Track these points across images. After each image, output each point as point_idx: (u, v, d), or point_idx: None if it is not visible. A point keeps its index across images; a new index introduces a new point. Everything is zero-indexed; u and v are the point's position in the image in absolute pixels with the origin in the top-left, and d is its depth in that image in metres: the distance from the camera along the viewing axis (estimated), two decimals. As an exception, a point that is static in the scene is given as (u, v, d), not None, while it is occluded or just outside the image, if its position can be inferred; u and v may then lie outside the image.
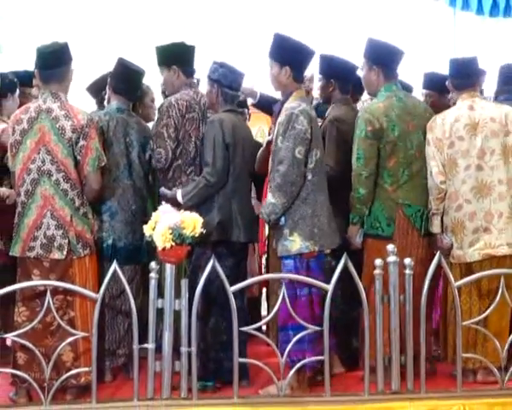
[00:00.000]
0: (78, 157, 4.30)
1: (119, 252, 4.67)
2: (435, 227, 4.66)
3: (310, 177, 4.35)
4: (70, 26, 8.49)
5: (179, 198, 4.58)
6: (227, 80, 4.68)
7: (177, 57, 4.90)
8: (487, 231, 4.55)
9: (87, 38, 8.41)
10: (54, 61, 4.35)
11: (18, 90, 5.13)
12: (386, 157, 4.57)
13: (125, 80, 4.88)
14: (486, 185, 4.57)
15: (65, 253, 4.26)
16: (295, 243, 4.33)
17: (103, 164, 4.41)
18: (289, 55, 4.41)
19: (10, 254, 4.38)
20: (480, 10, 6.83)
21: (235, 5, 8.97)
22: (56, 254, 4.26)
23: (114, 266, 4.08)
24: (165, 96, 5.15)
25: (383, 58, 4.68)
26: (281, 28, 4.67)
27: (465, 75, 4.73)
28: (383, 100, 4.65)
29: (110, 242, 4.72)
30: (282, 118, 4.37)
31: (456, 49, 7.13)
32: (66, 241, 4.27)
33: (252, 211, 4.78)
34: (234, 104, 4.80)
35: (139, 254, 4.84)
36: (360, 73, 4.90)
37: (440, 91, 5.18)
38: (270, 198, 4.35)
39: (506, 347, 4.30)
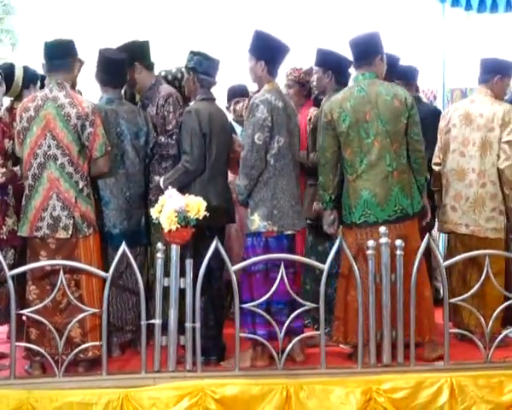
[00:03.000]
0: (86, 143, 4.50)
1: (115, 238, 4.77)
2: (436, 202, 5.30)
3: (272, 162, 4.60)
4: (84, 23, 8.66)
5: (161, 183, 4.76)
6: (202, 67, 4.78)
7: (134, 55, 5.00)
8: (454, 209, 5.11)
9: (102, 35, 8.56)
10: (59, 53, 4.54)
11: (39, 83, 5.30)
12: (343, 147, 4.65)
13: (109, 71, 4.88)
14: (463, 171, 5.08)
15: (70, 232, 4.43)
16: (254, 223, 4.60)
17: (109, 148, 4.60)
18: (265, 50, 4.66)
19: (18, 234, 4.55)
20: (468, 6, 7.02)
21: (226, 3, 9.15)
22: (62, 234, 4.44)
23: (123, 247, 4.26)
24: None
25: (353, 51, 4.72)
26: (269, 24, 4.88)
27: (482, 71, 5.17)
28: (344, 91, 4.71)
29: (105, 230, 4.81)
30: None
31: (446, 44, 7.30)
32: (72, 221, 4.44)
33: (228, 195, 4.92)
34: (209, 91, 4.89)
35: (138, 237, 4.94)
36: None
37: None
38: (236, 181, 4.70)
39: (490, 323, 4.49)
